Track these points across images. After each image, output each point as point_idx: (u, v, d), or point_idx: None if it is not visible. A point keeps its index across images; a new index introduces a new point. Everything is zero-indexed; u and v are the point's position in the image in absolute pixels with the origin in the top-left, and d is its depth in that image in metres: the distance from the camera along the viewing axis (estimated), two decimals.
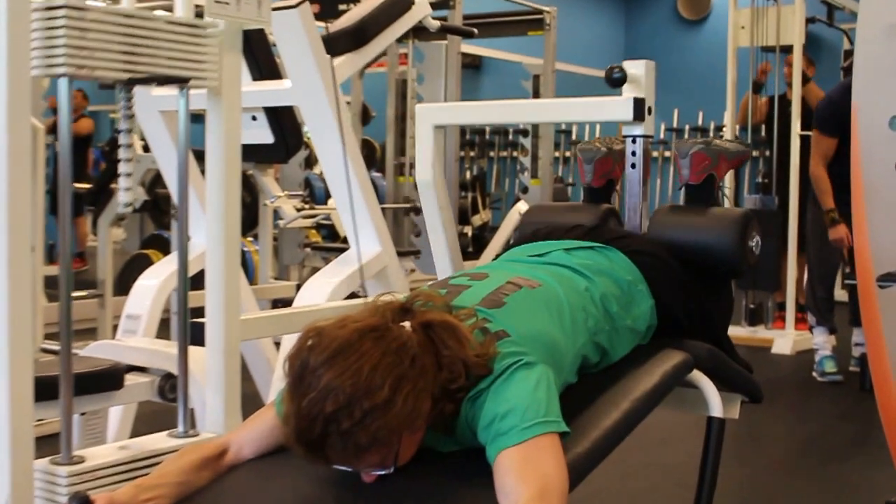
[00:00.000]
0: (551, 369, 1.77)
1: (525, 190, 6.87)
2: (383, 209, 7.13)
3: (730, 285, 2.66)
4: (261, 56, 3.32)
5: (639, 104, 2.58)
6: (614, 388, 2.04)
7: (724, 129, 7.42)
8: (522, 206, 7.04)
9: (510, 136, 12.42)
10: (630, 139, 2.67)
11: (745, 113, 7.09)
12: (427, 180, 2.86)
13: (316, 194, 7.51)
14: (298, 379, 1.61)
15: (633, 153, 2.67)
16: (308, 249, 6.59)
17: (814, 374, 5.86)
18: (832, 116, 5.13)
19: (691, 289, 2.36)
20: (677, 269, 2.34)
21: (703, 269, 2.48)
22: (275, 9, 2.57)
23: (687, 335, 2.31)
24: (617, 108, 2.62)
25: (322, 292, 3.04)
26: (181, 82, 2.17)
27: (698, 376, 2.25)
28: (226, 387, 2.31)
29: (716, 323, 2.42)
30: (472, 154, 12.67)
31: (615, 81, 2.58)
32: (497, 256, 2.44)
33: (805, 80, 6.73)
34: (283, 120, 3.36)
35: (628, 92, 2.59)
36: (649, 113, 2.63)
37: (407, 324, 1.68)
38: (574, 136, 12.62)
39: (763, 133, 7.20)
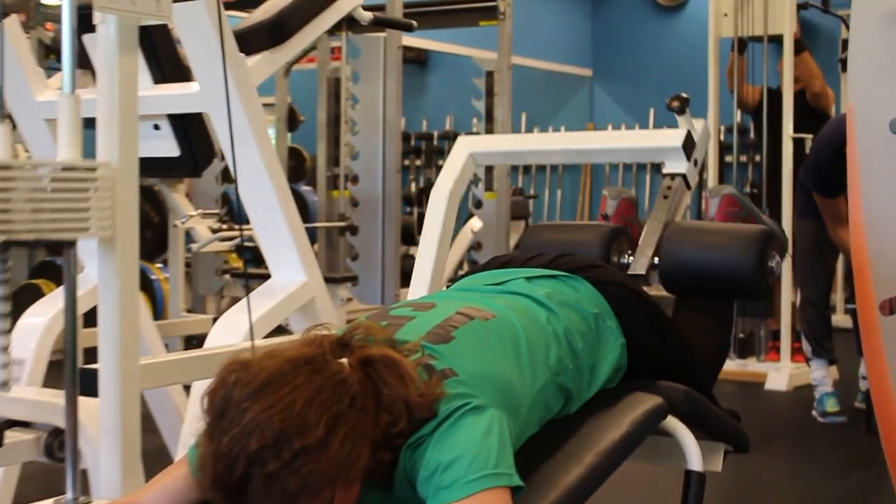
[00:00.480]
0: (505, 414, 1.77)
1: (479, 204, 6.86)
2: (315, 228, 7.13)
3: (730, 324, 2.77)
4: (163, 54, 3.30)
5: (689, 138, 2.93)
6: (576, 440, 2.04)
7: None
8: (476, 224, 7.04)
9: None
10: (669, 177, 2.96)
11: (732, 78, 7.12)
12: (443, 193, 3.11)
13: (235, 212, 7.47)
14: (219, 415, 1.61)
15: (669, 187, 2.95)
16: (227, 277, 6.55)
17: (814, 413, 5.89)
18: (825, 179, 5.22)
19: (669, 328, 2.38)
20: (653, 305, 2.36)
21: (718, 291, 2.61)
22: (176, 0, 2.55)
23: (661, 378, 2.31)
24: (669, 136, 2.98)
25: (238, 330, 3.02)
26: (68, 246, 2.17)
27: (674, 423, 2.25)
28: (123, 443, 2.28)
29: (697, 368, 2.42)
30: (417, 163, 12.70)
31: (676, 109, 3.05)
32: (449, 284, 2.45)
33: (799, 48, 6.76)
34: (191, 128, 3.34)
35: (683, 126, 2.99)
36: (695, 165, 2.95)
37: (344, 360, 1.69)
38: None
39: (752, 135, 7.26)
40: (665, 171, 2.95)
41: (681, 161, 2.92)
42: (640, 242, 2.87)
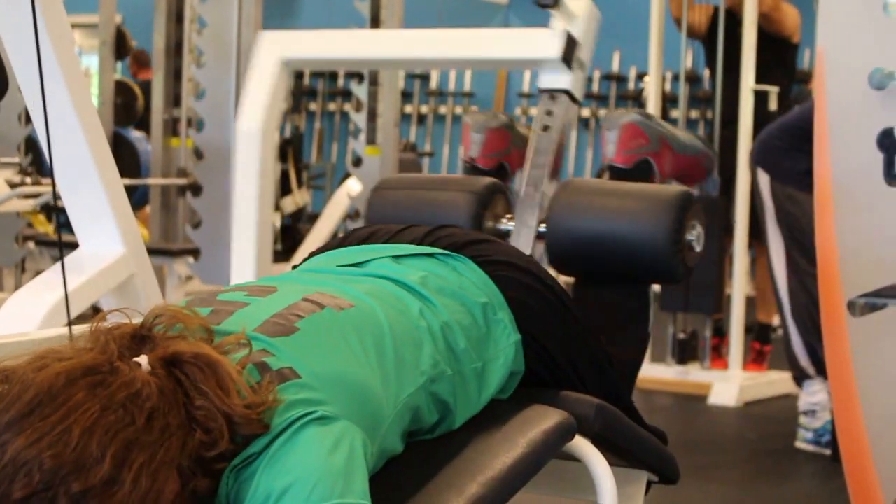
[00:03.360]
0: (360, 429, 1.77)
1: (358, 162, 6.86)
2: (146, 186, 7.07)
3: (646, 312, 2.71)
4: None
5: (571, 42, 2.76)
6: (457, 464, 2.04)
7: (647, 78, 7.51)
8: (354, 187, 7.05)
9: (340, 82, 12.41)
10: (547, 95, 2.83)
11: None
12: (253, 130, 2.99)
13: (43, 161, 7.38)
14: None
15: (550, 112, 2.82)
16: (31, 244, 6.48)
17: (800, 444, 5.64)
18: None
19: (577, 322, 2.38)
20: (556, 292, 2.36)
21: (623, 273, 2.57)
22: None
23: (568, 386, 2.31)
24: (539, 42, 2.79)
25: (31, 315, 2.97)
26: None
27: (582, 445, 2.26)
28: None
29: (613, 372, 2.44)
30: (282, 106, 12.62)
31: (544, 4, 2.80)
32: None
33: None
34: None
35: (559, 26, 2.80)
36: (583, 69, 2.81)
37: (143, 359, 1.67)
38: (434, 85, 12.68)
39: (706, 85, 7.28)
40: (542, 86, 2.81)
41: (561, 74, 2.78)
42: (517, 203, 2.76)
